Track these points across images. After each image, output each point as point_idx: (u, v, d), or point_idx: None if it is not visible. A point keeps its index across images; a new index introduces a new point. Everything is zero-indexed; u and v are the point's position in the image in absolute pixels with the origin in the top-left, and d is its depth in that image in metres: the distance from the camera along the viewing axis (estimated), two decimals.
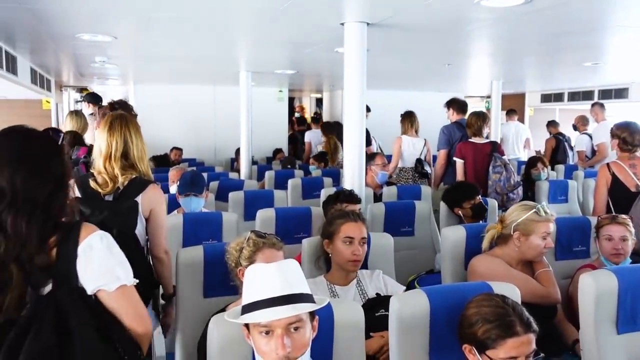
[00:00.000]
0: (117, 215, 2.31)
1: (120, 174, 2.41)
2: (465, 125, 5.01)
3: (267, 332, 1.41)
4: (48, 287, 1.40)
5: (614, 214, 2.95)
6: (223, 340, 1.62)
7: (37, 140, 1.51)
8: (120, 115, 2.53)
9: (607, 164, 3.61)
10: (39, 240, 1.40)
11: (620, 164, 3.54)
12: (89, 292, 1.44)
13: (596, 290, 1.99)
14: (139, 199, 2.43)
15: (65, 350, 1.34)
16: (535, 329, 1.57)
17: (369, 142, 6.98)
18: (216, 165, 7.53)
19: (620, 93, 8.39)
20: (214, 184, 4.87)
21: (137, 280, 1.54)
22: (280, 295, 1.40)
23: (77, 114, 4.66)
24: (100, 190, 2.38)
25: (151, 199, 2.47)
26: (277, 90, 9.03)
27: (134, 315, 1.48)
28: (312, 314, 1.49)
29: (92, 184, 2.39)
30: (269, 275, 1.44)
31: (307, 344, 1.44)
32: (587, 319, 2.02)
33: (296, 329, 1.41)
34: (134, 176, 2.44)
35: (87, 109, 5.87)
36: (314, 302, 1.46)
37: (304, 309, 1.41)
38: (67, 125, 4.55)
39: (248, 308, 1.43)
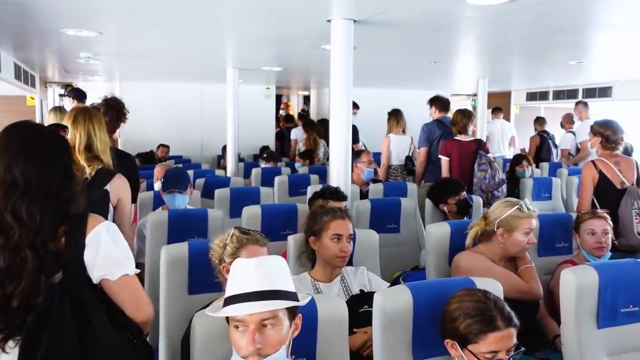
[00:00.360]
0: (92, 204, 2.35)
1: (87, 165, 2.53)
2: (445, 124, 5.04)
3: (241, 327, 1.41)
4: (58, 276, 1.49)
5: (593, 209, 3.00)
6: (207, 336, 1.62)
7: (47, 134, 1.64)
8: (85, 109, 2.68)
9: (593, 162, 3.61)
10: (51, 228, 1.49)
11: (606, 161, 3.55)
12: (94, 280, 1.54)
13: (577, 285, 2.02)
14: (107, 188, 2.56)
15: (83, 335, 1.44)
16: (516, 324, 1.59)
17: (356, 140, 7.00)
18: (202, 163, 7.50)
19: (604, 92, 8.48)
20: (200, 181, 4.85)
21: (139, 270, 1.64)
22: (254, 291, 1.39)
23: (60, 110, 4.62)
24: None
25: (118, 188, 2.61)
26: (264, 87, 9.02)
27: (135, 303, 1.58)
28: (293, 312, 1.48)
29: None
30: (248, 271, 1.44)
31: (281, 341, 1.42)
32: (568, 314, 2.04)
33: (271, 325, 1.40)
34: (100, 167, 2.57)
35: (70, 104, 5.81)
36: (295, 299, 1.46)
37: (275, 305, 1.39)
38: (49, 121, 4.51)
39: (226, 302, 1.43)
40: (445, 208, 3.71)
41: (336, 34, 3.38)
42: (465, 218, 3.60)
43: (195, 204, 4.01)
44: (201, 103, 8.47)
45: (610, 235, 2.80)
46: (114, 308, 1.54)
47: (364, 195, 4.39)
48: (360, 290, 2.39)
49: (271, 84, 9.00)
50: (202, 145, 8.54)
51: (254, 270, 1.43)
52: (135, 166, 3.46)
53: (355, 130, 6.95)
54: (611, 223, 2.84)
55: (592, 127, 3.73)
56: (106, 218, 2.41)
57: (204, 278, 2.30)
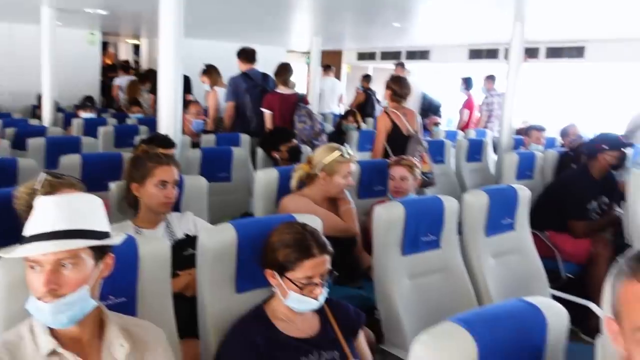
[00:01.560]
0: None
1: None
2: (252, 76, 5.10)
3: (37, 267, 1.31)
4: None
5: (400, 156, 3.33)
6: (11, 281, 1.49)
7: None
8: None
9: (386, 113, 4.07)
10: None
11: (396, 112, 4.03)
12: None
13: (387, 218, 2.24)
14: None
15: None
16: (330, 251, 1.71)
17: (188, 89, 6.82)
18: (14, 112, 6.72)
19: (423, 54, 9.28)
20: (10, 131, 4.37)
21: None
22: (50, 231, 1.30)
23: None
24: None
25: None
26: (88, 32, 8.30)
27: None
28: (102, 251, 1.40)
29: None
30: (47, 209, 1.33)
31: (81, 281, 1.33)
32: (378, 244, 2.27)
33: (70, 265, 1.32)
34: None
35: None
36: (104, 238, 1.38)
37: (71, 245, 1.31)
38: None
39: (22, 242, 1.32)
40: (277, 155, 3.83)
41: None
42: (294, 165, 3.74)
43: (4, 155, 3.60)
44: (12, 45, 7.53)
45: (411, 181, 3.11)
46: None
47: (196, 146, 4.31)
48: (186, 235, 2.38)
49: (96, 30, 8.32)
50: (14, 92, 7.63)
51: (54, 208, 1.33)
52: None
53: (187, 80, 6.75)
54: (416, 170, 3.16)
55: (386, 82, 4.20)
56: None
57: (9, 229, 2.08)
